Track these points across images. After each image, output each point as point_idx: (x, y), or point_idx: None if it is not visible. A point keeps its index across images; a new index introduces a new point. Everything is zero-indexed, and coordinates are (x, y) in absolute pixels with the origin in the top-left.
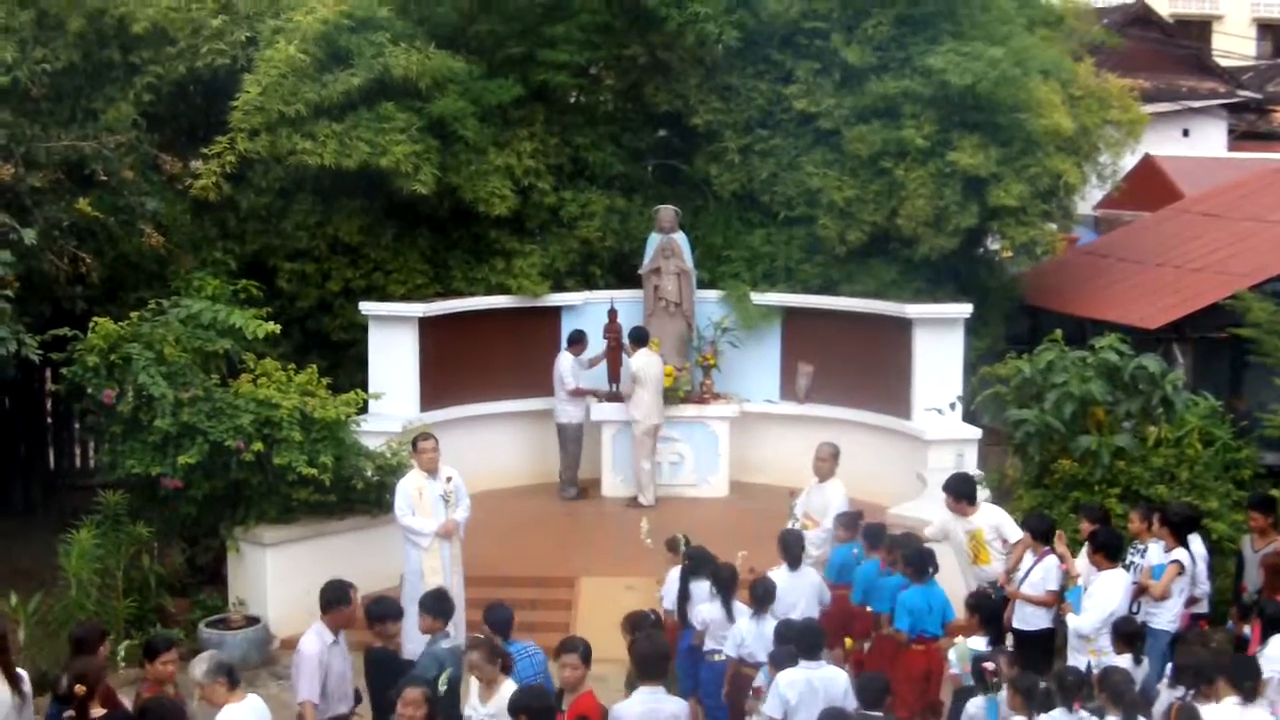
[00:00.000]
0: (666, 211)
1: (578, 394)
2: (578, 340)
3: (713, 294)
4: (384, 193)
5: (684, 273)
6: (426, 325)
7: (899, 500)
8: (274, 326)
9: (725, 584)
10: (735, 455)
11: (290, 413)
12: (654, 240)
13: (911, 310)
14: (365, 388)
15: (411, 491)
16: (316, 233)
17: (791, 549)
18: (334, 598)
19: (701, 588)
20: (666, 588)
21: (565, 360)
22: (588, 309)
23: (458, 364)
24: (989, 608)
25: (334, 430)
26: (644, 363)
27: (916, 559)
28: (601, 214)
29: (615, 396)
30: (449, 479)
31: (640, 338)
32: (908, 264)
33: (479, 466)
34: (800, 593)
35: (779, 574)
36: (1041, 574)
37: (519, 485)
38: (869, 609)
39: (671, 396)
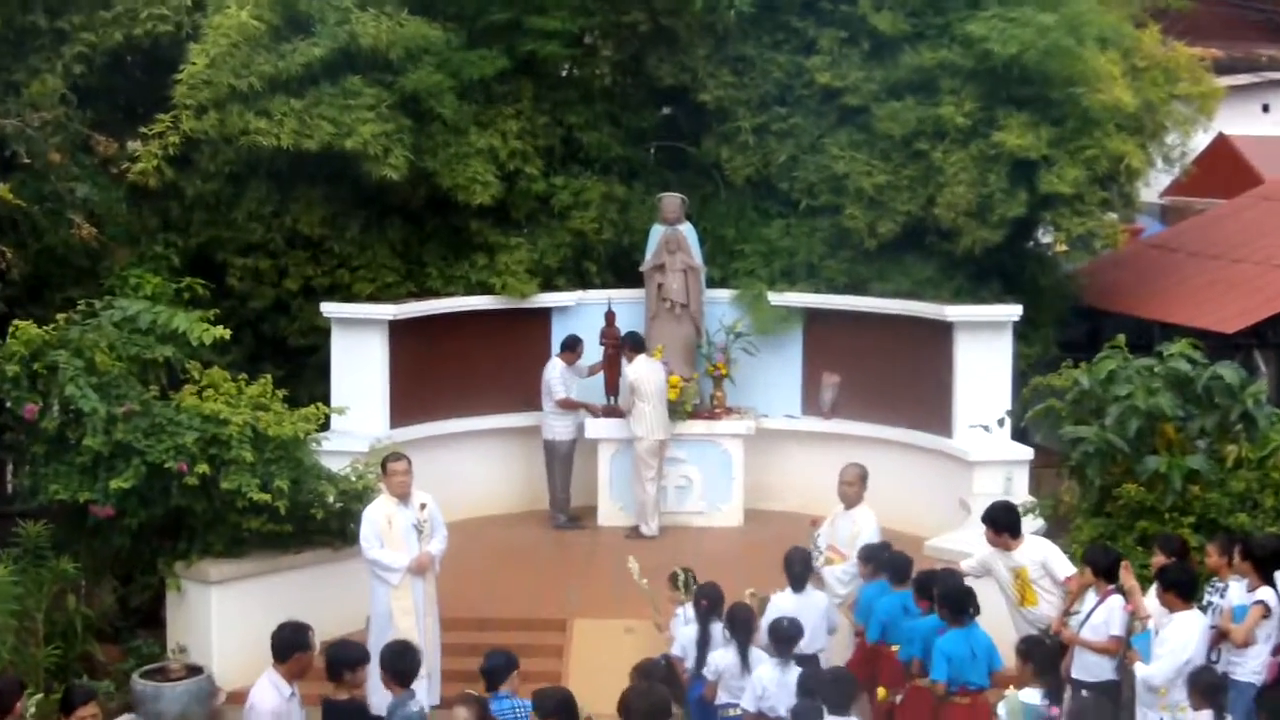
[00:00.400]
0: (671, 200)
1: (567, 405)
2: (571, 347)
3: (724, 294)
4: (350, 179)
5: (691, 270)
6: (398, 329)
7: (938, 531)
8: (223, 331)
9: (741, 627)
10: (751, 478)
11: (240, 430)
12: (657, 233)
13: (952, 312)
14: (327, 401)
15: (379, 520)
16: (272, 224)
17: (795, 569)
18: (290, 643)
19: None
20: (675, 630)
21: (554, 367)
22: (582, 311)
23: (433, 374)
24: (1043, 655)
25: (291, 450)
26: (644, 372)
27: (953, 598)
28: (597, 203)
29: (613, 410)
30: (423, 506)
31: (637, 343)
32: (947, 259)
33: (458, 491)
34: (806, 619)
35: (782, 598)
36: (1104, 616)
37: (504, 513)
38: (896, 649)
39: (678, 411)
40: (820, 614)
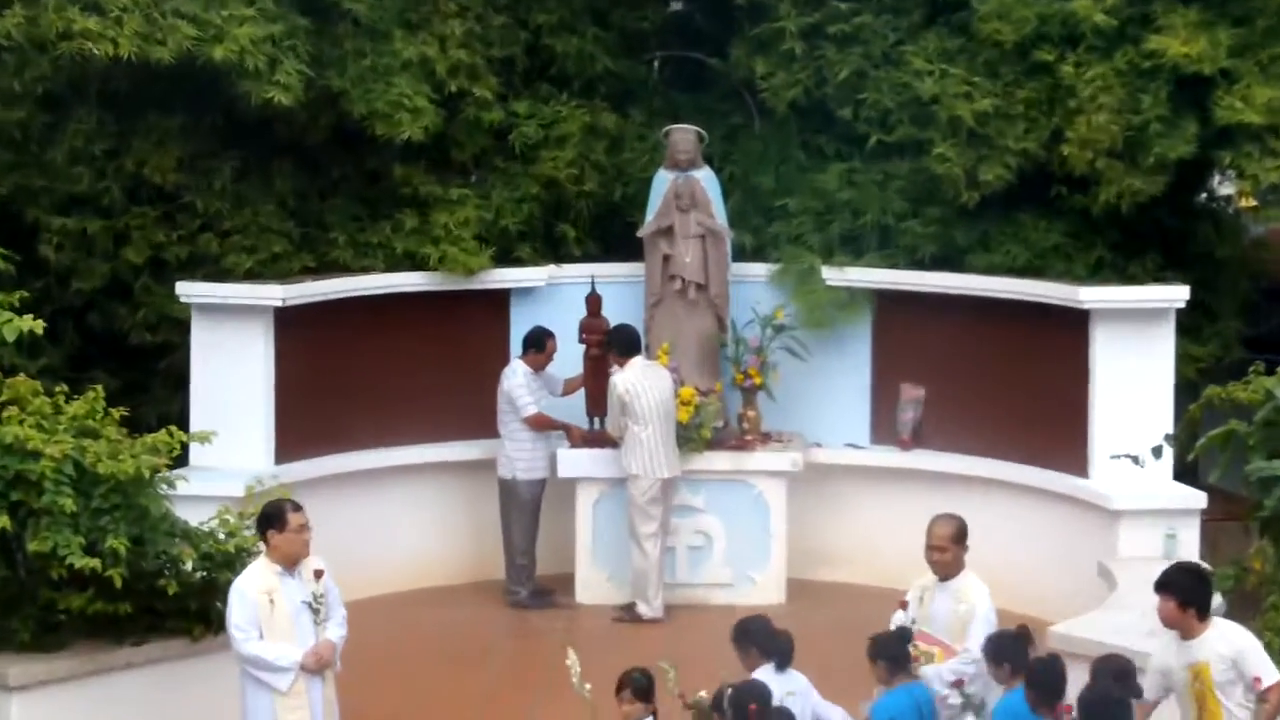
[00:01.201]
0: (684, 136)
1: (538, 425)
2: (538, 344)
3: (759, 269)
4: (219, 105)
5: (712, 235)
6: (289, 322)
7: (1067, 611)
8: (32, 322)
9: None
10: (797, 535)
11: (57, 466)
12: (663, 182)
13: (1088, 296)
14: (185, 425)
15: (257, 598)
16: (106, 168)
17: (773, 642)
18: None
19: None
20: None
21: (516, 373)
22: (555, 294)
23: (340, 385)
24: None
25: (131, 495)
26: (640, 382)
27: (1096, 708)
28: (577, 139)
29: (598, 437)
30: (318, 574)
31: (629, 342)
32: (1081, 220)
33: (375, 555)
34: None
35: (763, 674)
36: None
37: (441, 585)
38: None
39: (692, 438)
40: (804, 700)
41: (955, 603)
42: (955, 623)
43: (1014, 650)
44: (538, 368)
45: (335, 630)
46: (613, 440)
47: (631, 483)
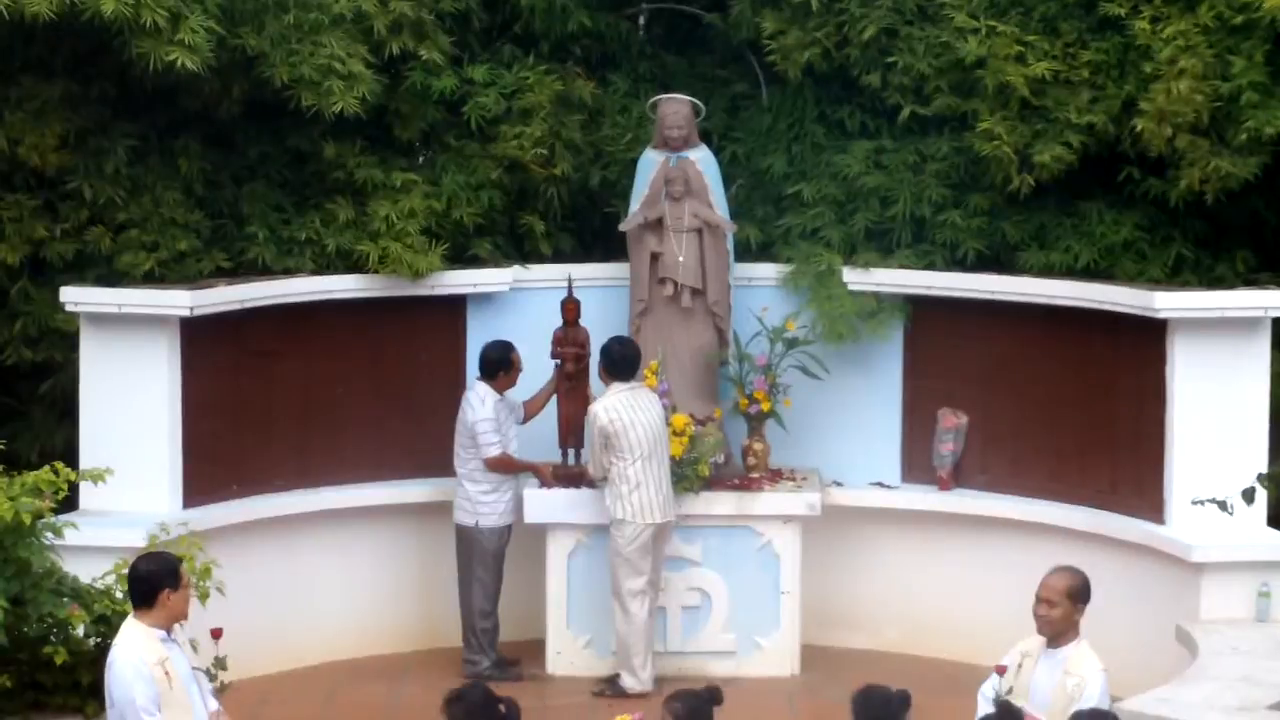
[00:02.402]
0: (676, 108)
1: (502, 467)
2: (502, 361)
3: (768, 270)
4: (111, 70)
5: (709, 229)
6: (198, 335)
7: (1143, 683)
8: None
9: None
10: (813, 593)
11: None
12: (651, 165)
13: (1165, 302)
14: (73, 460)
15: (153, 672)
16: None
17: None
18: None
19: None
20: None
21: (486, 402)
22: (520, 300)
23: (259, 412)
24: None
25: (9, 546)
26: (626, 411)
27: None
28: (546, 112)
29: (575, 475)
30: (216, 633)
31: (627, 362)
32: (1157, 210)
33: (299, 618)
34: None
35: None
36: None
37: (383, 653)
38: None
39: (686, 475)
40: None
41: (1063, 674)
42: (1060, 698)
43: (886, 714)
44: (503, 390)
45: (212, 700)
46: (588, 479)
47: (616, 529)
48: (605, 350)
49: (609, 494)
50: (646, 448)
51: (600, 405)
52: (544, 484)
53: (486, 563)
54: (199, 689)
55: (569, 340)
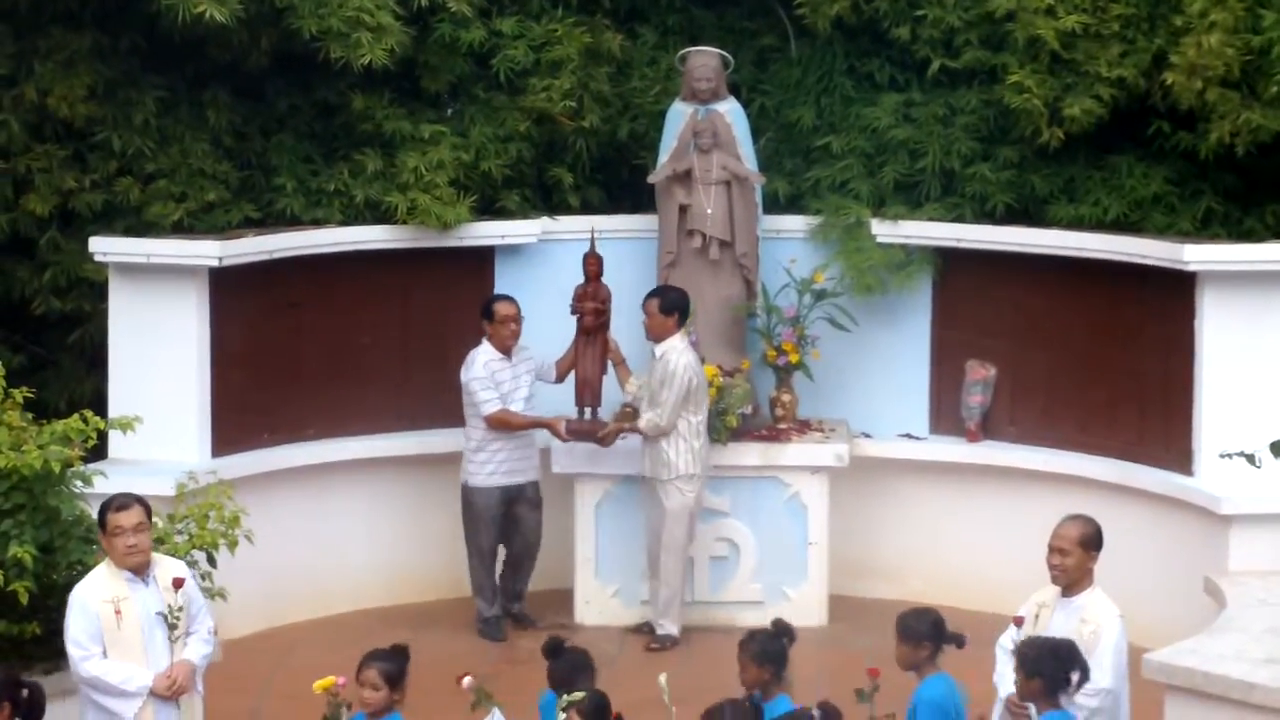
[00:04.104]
0: (705, 61)
1: (499, 425)
2: (482, 312)
3: (796, 223)
4: (140, 21)
5: (738, 181)
6: (227, 285)
7: (1169, 635)
8: None
9: None
10: (841, 543)
11: None
12: (679, 117)
13: (1194, 255)
14: (102, 409)
15: (99, 609)
16: (2, 99)
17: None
18: None
19: None
20: None
21: (475, 362)
22: (548, 251)
23: (288, 362)
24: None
25: (38, 494)
26: (697, 361)
27: None
28: (575, 65)
29: (588, 430)
30: (177, 583)
31: (687, 310)
32: (1187, 164)
33: (325, 566)
34: None
35: None
36: None
37: (407, 604)
38: None
39: (714, 426)
40: None
41: (1079, 622)
42: (1079, 644)
43: (778, 650)
44: (500, 347)
45: (197, 648)
46: (610, 435)
47: (684, 484)
48: (676, 299)
49: (675, 449)
50: (699, 397)
51: (682, 358)
52: (563, 438)
53: (474, 522)
54: (164, 636)
55: (589, 295)
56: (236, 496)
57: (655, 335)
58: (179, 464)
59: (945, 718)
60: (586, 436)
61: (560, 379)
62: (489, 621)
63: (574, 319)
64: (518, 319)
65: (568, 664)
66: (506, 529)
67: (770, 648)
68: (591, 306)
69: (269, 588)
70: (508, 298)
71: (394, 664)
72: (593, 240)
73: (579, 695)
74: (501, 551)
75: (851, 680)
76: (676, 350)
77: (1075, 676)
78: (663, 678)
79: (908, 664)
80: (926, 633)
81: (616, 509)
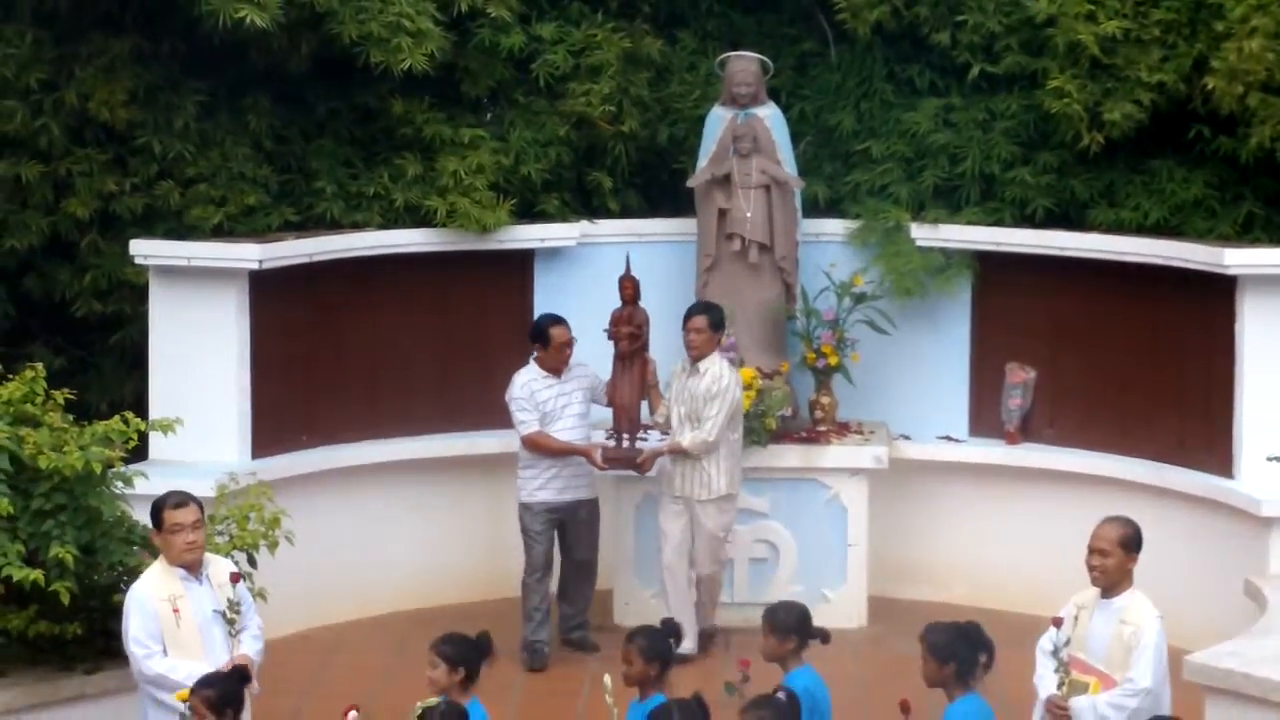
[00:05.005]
0: (744, 65)
1: (536, 447)
2: (538, 334)
3: (836, 226)
4: (180, 25)
5: (777, 185)
6: (267, 288)
7: (1209, 637)
8: None
9: None
10: (880, 545)
11: None
12: (719, 121)
13: (1235, 259)
14: (143, 410)
15: (158, 607)
16: (43, 103)
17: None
18: None
19: None
20: None
21: (515, 383)
22: (587, 255)
23: (328, 364)
24: None
25: (80, 495)
26: (734, 375)
27: None
28: (614, 69)
29: (625, 458)
30: (235, 578)
31: (724, 322)
32: (1227, 168)
33: (367, 568)
34: None
35: None
36: None
37: (450, 605)
38: None
39: (754, 428)
40: None
41: (1119, 624)
42: (1117, 647)
43: (665, 649)
44: (551, 368)
45: (251, 644)
46: (649, 461)
47: (727, 504)
48: (722, 315)
49: (716, 468)
50: (736, 410)
51: (731, 373)
52: (599, 466)
53: (525, 540)
54: (222, 633)
55: (625, 320)
56: (276, 498)
57: (701, 352)
58: (219, 465)
59: (812, 707)
60: (623, 465)
61: (610, 403)
62: (529, 646)
63: (608, 338)
64: (571, 344)
65: None
66: (562, 548)
67: (658, 645)
68: (627, 331)
69: (308, 588)
70: (560, 321)
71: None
72: (628, 263)
73: (433, 701)
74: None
75: (889, 683)
76: (720, 365)
77: (984, 659)
78: (607, 678)
79: (773, 656)
80: (793, 626)
81: (656, 511)
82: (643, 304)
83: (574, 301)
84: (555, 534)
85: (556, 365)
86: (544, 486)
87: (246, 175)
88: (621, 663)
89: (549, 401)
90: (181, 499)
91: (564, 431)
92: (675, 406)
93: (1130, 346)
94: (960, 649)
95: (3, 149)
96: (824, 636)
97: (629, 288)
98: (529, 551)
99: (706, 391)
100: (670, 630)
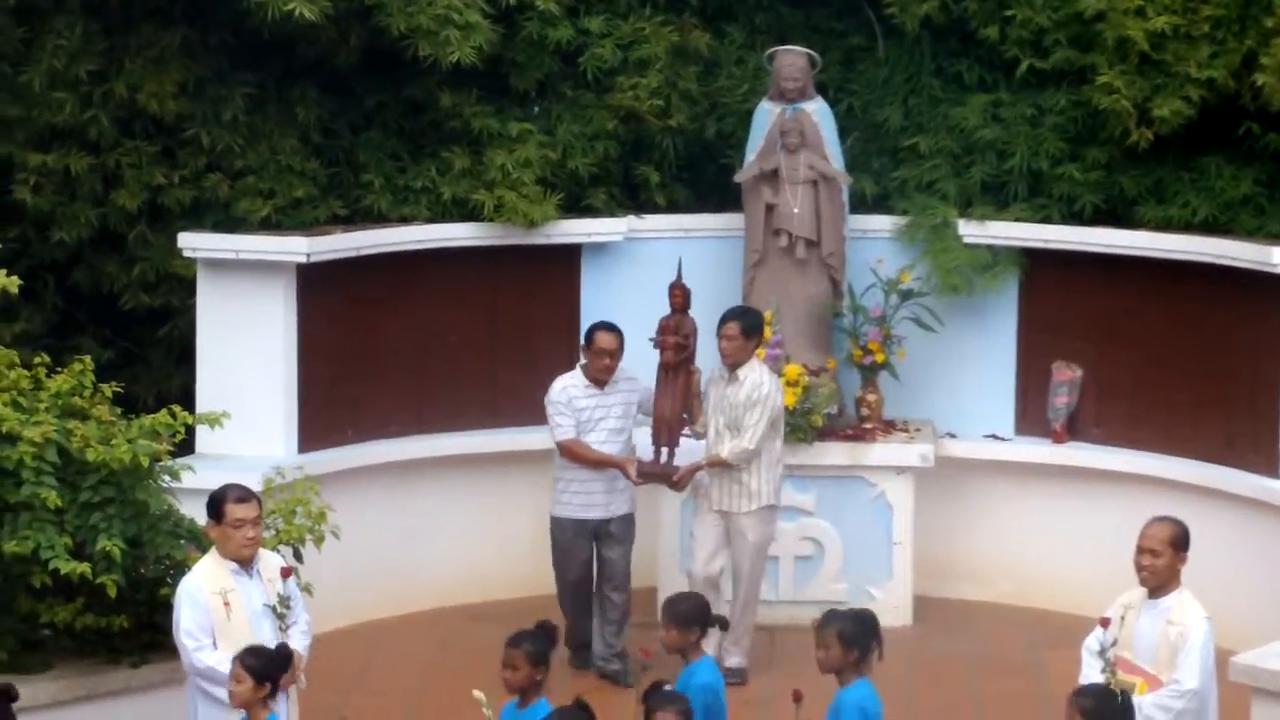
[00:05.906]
0: (792, 60)
1: (571, 454)
2: (584, 338)
3: (883, 222)
4: (229, 18)
5: (824, 180)
6: (314, 281)
7: (1256, 637)
8: (6, 279)
9: None
10: (926, 544)
11: (38, 453)
12: (767, 116)
13: None
14: (190, 404)
15: (209, 600)
16: (93, 94)
17: None
18: None
19: None
20: None
21: (553, 387)
22: (634, 250)
23: (375, 358)
24: None
25: (127, 488)
26: (775, 382)
27: None
28: (662, 63)
29: (662, 474)
30: (285, 572)
31: (760, 329)
32: (1276, 166)
33: (413, 563)
34: None
35: None
36: None
37: (495, 600)
38: None
39: (800, 425)
40: None
41: (1166, 624)
42: (1164, 648)
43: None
44: (592, 377)
45: (299, 639)
46: (685, 479)
47: (769, 515)
48: (757, 322)
49: (757, 478)
50: (778, 420)
51: (772, 381)
52: (635, 480)
53: (554, 555)
54: (272, 627)
55: (672, 329)
56: (323, 492)
57: (735, 360)
58: (266, 459)
59: (710, 702)
60: (658, 479)
61: (656, 413)
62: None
63: (654, 346)
64: (614, 354)
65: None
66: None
67: (541, 648)
68: (673, 341)
69: (354, 583)
70: (612, 329)
71: (538, 645)
72: (679, 269)
73: None
74: None
75: (934, 681)
76: (760, 372)
77: (877, 647)
78: (477, 693)
79: (675, 648)
80: (695, 617)
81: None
82: (691, 310)
83: (621, 298)
84: (591, 545)
85: (596, 373)
86: (571, 501)
87: (294, 168)
88: (504, 669)
89: (585, 411)
90: (244, 493)
91: (596, 445)
92: (714, 416)
93: (1177, 345)
94: (864, 638)
95: (52, 140)
96: (723, 624)
97: (679, 296)
98: (559, 569)
99: (747, 399)
100: (547, 632)
